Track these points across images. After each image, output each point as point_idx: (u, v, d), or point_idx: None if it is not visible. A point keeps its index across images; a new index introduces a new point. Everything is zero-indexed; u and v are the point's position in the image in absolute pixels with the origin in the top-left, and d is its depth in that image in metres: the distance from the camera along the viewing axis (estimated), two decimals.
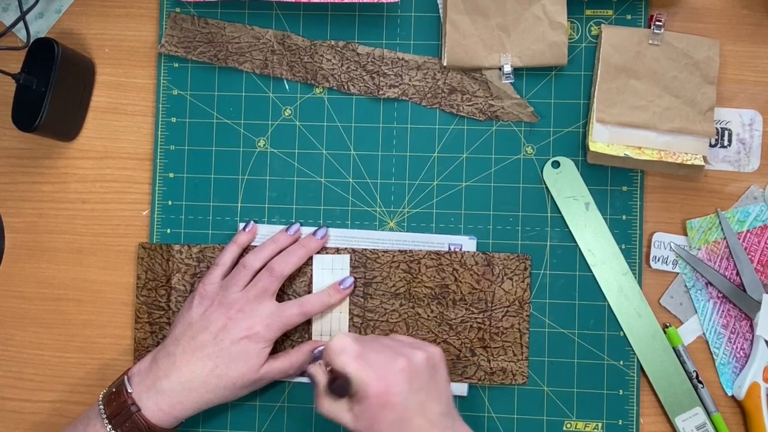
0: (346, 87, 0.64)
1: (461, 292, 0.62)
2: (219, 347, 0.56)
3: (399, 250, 0.63)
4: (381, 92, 0.64)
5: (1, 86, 0.68)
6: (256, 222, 0.64)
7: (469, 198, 0.64)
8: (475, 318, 0.61)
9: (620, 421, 0.62)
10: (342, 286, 0.61)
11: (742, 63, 0.64)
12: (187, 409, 0.55)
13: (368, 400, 0.50)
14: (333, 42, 0.65)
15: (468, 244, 0.63)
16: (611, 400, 0.62)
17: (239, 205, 0.65)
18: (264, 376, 0.58)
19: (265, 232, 0.64)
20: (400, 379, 0.51)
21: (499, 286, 0.62)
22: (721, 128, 0.63)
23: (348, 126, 0.65)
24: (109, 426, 0.53)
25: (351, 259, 0.63)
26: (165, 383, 0.54)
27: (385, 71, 0.64)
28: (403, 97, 0.64)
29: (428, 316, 0.62)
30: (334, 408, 0.53)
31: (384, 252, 0.63)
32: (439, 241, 0.63)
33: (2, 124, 0.68)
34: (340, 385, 0.52)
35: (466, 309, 0.61)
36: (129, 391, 0.54)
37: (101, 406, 0.54)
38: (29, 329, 0.67)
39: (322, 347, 0.59)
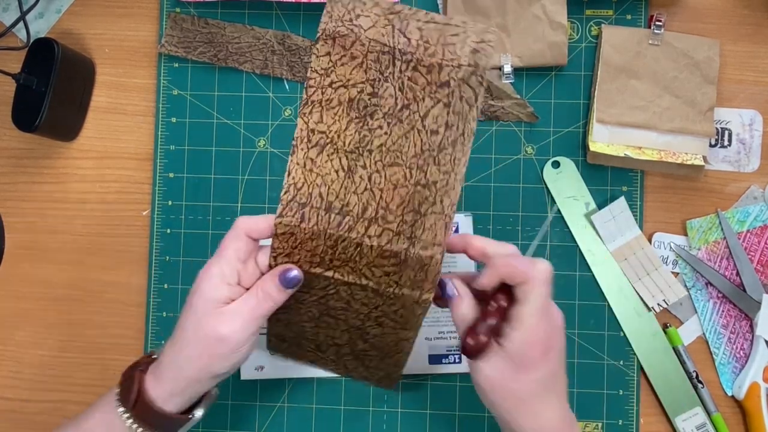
0: None
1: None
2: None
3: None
4: None
5: (1, 86, 0.68)
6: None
7: (469, 198, 0.64)
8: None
9: (620, 421, 0.62)
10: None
11: (742, 63, 0.64)
12: (167, 376, 0.50)
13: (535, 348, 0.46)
14: None
15: (464, 221, 0.63)
16: (611, 400, 0.62)
17: (239, 205, 0.65)
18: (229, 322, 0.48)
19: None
20: (563, 337, 0.48)
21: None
22: (721, 128, 0.63)
23: None
24: (120, 378, 0.51)
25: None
26: (162, 356, 0.51)
27: None
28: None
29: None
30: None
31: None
32: None
33: (2, 124, 0.68)
34: (484, 344, 0.45)
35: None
36: (154, 356, 0.51)
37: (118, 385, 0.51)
38: (29, 329, 0.67)
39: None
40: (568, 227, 0.63)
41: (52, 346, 0.66)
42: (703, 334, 0.62)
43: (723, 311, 0.62)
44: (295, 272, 0.47)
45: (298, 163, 0.45)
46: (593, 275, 0.63)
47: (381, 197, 0.45)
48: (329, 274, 0.46)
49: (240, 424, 0.64)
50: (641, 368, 0.62)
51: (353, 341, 0.51)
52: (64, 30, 0.67)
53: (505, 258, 0.47)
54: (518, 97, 0.64)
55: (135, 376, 0.50)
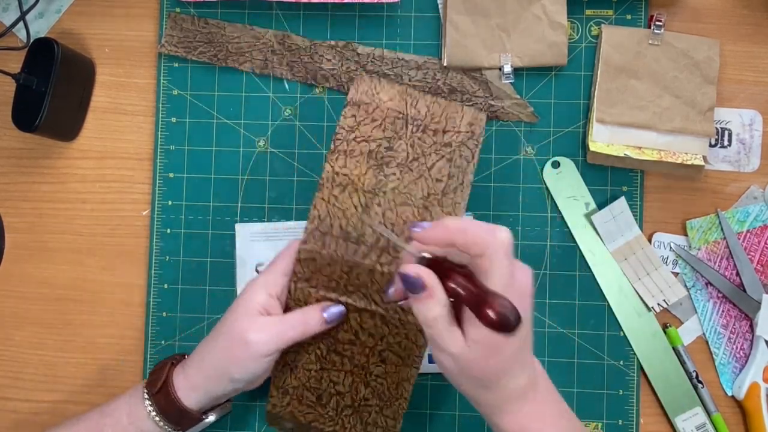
0: (346, 87, 0.64)
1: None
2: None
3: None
4: None
5: (1, 86, 0.68)
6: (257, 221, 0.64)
7: (469, 198, 0.64)
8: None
9: (620, 421, 0.62)
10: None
11: (742, 63, 0.64)
12: (194, 376, 0.52)
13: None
14: (333, 42, 0.65)
15: None
16: (611, 400, 0.62)
17: (239, 205, 0.65)
18: (258, 343, 0.50)
19: (259, 229, 0.64)
20: (531, 305, 0.44)
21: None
22: (721, 128, 0.63)
23: None
24: (146, 390, 0.53)
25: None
26: (197, 348, 0.54)
27: (385, 71, 0.64)
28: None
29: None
30: (448, 336, 0.42)
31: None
32: None
33: (2, 124, 0.67)
34: (512, 309, 0.40)
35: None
36: (174, 362, 0.55)
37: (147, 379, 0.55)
38: (29, 329, 0.67)
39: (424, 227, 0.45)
40: (568, 227, 0.63)
41: (52, 346, 0.66)
42: (703, 334, 0.62)
43: (723, 311, 0.62)
44: (341, 308, 0.52)
45: (323, 198, 0.52)
46: (593, 275, 0.63)
47: (392, 231, 0.51)
48: (343, 299, 0.52)
49: (240, 424, 0.64)
50: (641, 368, 0.62)
51: (356, 386, 0.54)
52: (64, 30, 0.67)
53: (459, 222, 0.42)
54: (518, 97, 0.64)
55: (166, 366, 0.54)
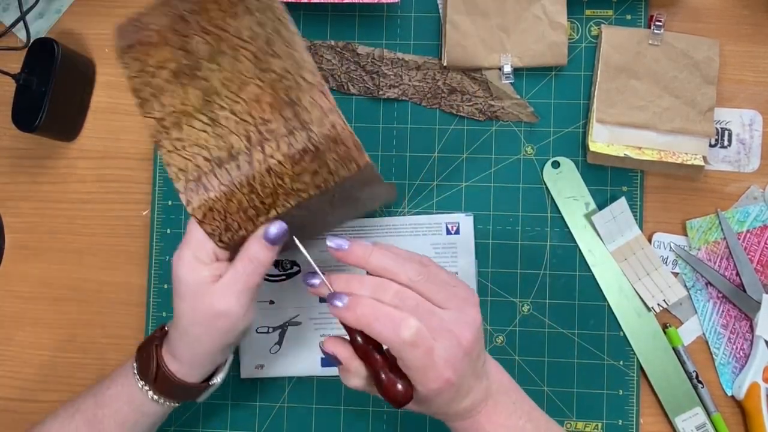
0: (346, 87, 0.64)
1: None
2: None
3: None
4: (381, 92, 0.64)
5: (1, 86, 0.68)
6: None
7: (469, 198, 0.64)
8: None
9: (620, 421, 0.62)
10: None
11: (742, 63, 0.64)
12: (181, 354, 0.51)
13: (432, 391, 0.45)
14: (333, 42, 0.65)
15: (465, 221, 0.63)
16: (611, 400, 0.62)
17: None
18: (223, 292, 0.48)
19: None
20: (465, 363, 0.45)
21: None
22: (721, 128, 0.63)
23: None
24: (135, 356, 0.53)
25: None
26: (171, 328, 0.52)
27: (385, 71, 0.64)
28: (403, 98, 0.64)
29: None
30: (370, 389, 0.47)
31: None
32: (436, 221, 0.63)
33: (2, 124, 0.68)
34: (403, 395, 0.45)
35: None
36: (166, 328, 0.53)
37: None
38: (29, 329, 0.67)
39: (339, 296, 0.46)
40: (568, 227, 0.63)
41: (52, 346, 0.66)
42: (703, 334, 0.62)
43: (723, 311, 0.62)
44: (277, 225, 0.46)
45: (169, 151, 0.45)
46: (593, 275, 0.63)
47: (252, 117, 0.44)
48: (273, 214, 0.45)
49: (240, 424, 0.64)
50: (641, 368, 0.62)
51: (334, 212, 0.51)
52: (64, 30, 0.67)
53: (369, 307, 0.44)
54: (518, 97, 0.64)
55: (152, 352, 0.52)
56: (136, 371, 0.52)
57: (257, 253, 0.46)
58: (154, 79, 0.46)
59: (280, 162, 0.44)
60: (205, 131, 0.44)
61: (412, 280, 0.45)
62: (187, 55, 0.45)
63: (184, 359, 0.51)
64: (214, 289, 0.47)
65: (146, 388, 0.51)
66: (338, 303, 0.45)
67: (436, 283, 0.45)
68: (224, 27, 0.45)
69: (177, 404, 0.54)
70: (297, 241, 0.48)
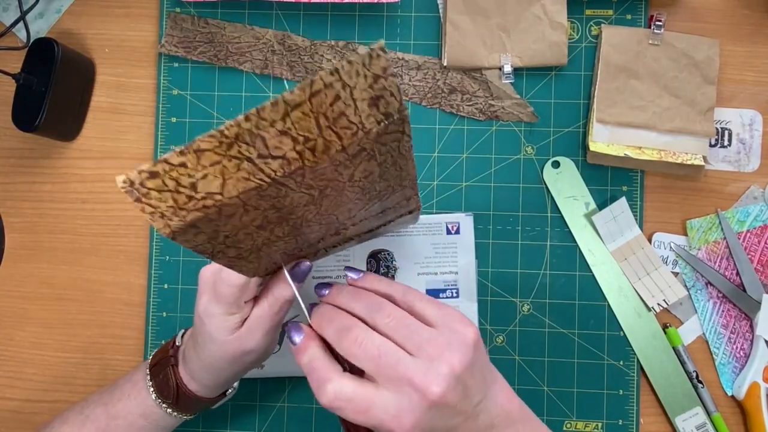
0: None
1: None
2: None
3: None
4: None
5: (1, 86, 0.68)
6: None
7: (469, 198, 0.64)
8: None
9: (620, 421, 0.62)
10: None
11: (742, 63, 0.64)
12: (204, 380, 0.52)
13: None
14: (333, 42, 0.65)
15: (465, 220, 0.63)
16: (611, 400, 0.62)
17: None
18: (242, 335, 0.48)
19: None
20: (430, 414, 0.40)
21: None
22: (721, 128, 0.63)
23: None
24: (149, 374, 0.53)
25: None
26: (190, 351, 0.52)
27: None
28: (403, 97, 0.64)
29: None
30: None
31: None
32: (436, 221, 0.63)
33: (2, 124, 0.68)
34: None
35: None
36: (177, 344, 0.54)
37: (150, 360, 0.54)
38: (29, 329, 0.67)
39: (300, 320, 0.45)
40: (568, 227, 0.63)
41: (52, 346, 0.66)
42: (703, 334, 0.62)
43: (723, 311, 0.62)
44: (306, 263, 0.47)
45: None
46: (593, 275, 0.63)
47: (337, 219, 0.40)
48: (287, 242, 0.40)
49: (240, 424, 0.64)
50: (641, 368, 0.62)
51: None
52: (64, 30, 0.67)
53: (308, 359, 0.43)
54: (518, 97, 0.64)
55: (169, 373, 0.52)
56: (153, 391, 0.53)
57: (283, 291, 0.47)
58: (227, 247, 0.35)
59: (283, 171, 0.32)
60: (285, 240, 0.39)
61: (378, 324, 0.41)
62: (276, 210, 0.34)
63: (207, 383, 0.52)
64: (241, 333, 0.48)
65: (164, 405, 0.53)
66: (353, 276, 0.46)
67: (405, 326, 0.41)
68: (335, 178, 0.33)
69: (193, 416, 0.55)
70: (287, 276, 0.46)
